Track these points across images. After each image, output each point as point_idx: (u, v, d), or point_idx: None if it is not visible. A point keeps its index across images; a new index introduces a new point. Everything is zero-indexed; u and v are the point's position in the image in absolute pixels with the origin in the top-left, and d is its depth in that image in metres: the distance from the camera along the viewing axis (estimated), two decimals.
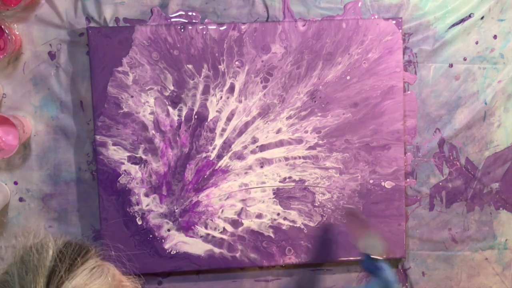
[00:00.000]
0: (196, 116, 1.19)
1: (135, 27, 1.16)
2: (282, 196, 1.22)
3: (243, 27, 1.17)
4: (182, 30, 1.16)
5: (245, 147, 1.20)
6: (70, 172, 1.21)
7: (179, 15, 1.19)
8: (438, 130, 1.27)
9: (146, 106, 1.17)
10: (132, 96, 1.17)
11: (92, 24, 1.17)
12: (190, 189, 1.20)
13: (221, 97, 1.19)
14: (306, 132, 1.21)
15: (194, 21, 1.20)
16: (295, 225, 1.23)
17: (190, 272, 1.24)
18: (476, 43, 1.25)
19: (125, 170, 1.18)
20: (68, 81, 1.19)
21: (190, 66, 1.17)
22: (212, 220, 1.21)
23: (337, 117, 1.21)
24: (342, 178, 1.23)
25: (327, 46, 1.20)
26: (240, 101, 1.19)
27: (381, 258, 1.05)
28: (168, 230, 1.20)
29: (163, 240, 1.20)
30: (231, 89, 1.19)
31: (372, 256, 1.05)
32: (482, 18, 1.25)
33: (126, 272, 0.66)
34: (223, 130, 1.20)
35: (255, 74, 1.19)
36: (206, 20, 1.20)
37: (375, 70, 1.21)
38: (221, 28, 1.17)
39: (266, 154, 1.21)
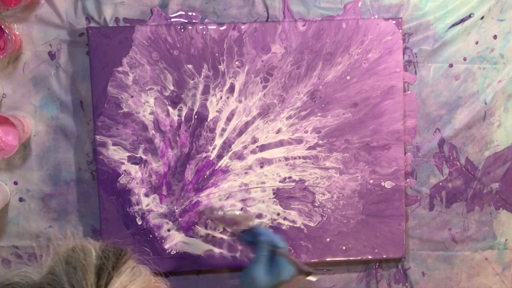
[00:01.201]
0: (196, 116, 1.19)
1: (135, 27, 1.16)
2: (282, 196, 1.22)
3: (243, 27, 1.17)
4: (182, 30, 1.16)
5: (245, 147, 1.20)
6: (70, 172, 1.21)
7: (179, 15, 1.19)
8: (438, 130, 1.27)
9: (146, 106, 1.17)
10: (132, 96, 1.17)
11: (92, 24, 1.17)
12: (190, 189, 1.20)
13: (221, 97, 1.19)
14: (306, 132, 1.21)
15: (194, 21, 1.20)
16: (295, 225, 1.23)
17: (190, 272, 1.24)
18: (476, 43, 1.25)
19: (125, 170, 1.18)
20: (68, 81, 1.19)
21: (190, 66, 1.17)
22: (212, 220, 1.21)
23: (337, 117, 1.21)
24: (342, 178, 1.23)
25: (327, 46, 1.20)
26: (240, 101, 1.19)
27: (254, 226, 1.04)
28: (168, 230, 1.20)
29: (163, 240, 1.20)
30: (231, 89, 1.19)
31: (246, 229, 1.04)
32: (482, 18, 1.25)
33: (154, 274, 0.70)
34: (223, 130, 1.20)
35: (255, 74, 1.19)
36: (206, 20, 1.20)
37: (375, 70, 1.21)
38: (221, 28, 1.17)
39: (266, 154, 1.21)
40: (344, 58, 1.20)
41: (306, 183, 1.22)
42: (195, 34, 1.17)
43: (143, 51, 1.16)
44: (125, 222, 1.19)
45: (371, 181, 1.23)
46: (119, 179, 1.18)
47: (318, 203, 1.23)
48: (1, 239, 1.21)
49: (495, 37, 1.26)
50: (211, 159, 1.20)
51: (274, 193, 1.22)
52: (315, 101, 1.21)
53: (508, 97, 1.27)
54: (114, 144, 1.17)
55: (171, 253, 1.20)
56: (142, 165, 1.19)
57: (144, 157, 1.18)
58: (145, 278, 0.63)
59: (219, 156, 1.20)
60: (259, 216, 1.22)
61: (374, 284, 1.29)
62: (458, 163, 1.28)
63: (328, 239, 1.23)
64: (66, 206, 1.21)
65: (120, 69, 1.16)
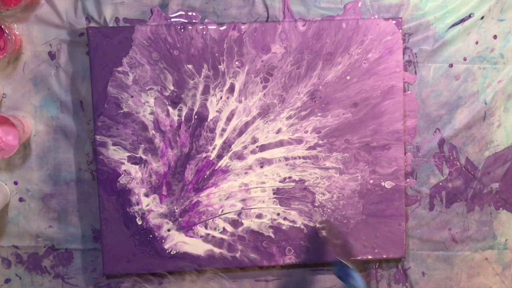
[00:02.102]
0: (196, 116, 1.19)
1: (135, 27, 1.16)
2: (282, 196, 1.22)
3: (243, 27, 1.17)
4: (182, 30, 1.16)
5: (245, 147, 1.20)
6: (70, 172, 1.21)
7: (179, 15, 1.19)
8: (438, 130, 1.27)
9: (146, 106, 1.17)
10: (132, 96, 1.17)
11: (92, 24, 1.17)
12: (190, 189, 1.20)
13: (221, 97, 1.19)
14: (306, 132, 1.21)
15: (194, 21, 1.20)
16: (295, 225, 1.23)
17: (190, 272, 1.24)
18: (476, 43, 1.25)
19: (125, 170, 1.18)
20: (68, 81, 1.19)
21: (190, 66, 1.17)
22: (212, 220, 1.21)
23: (337, 117, 1.21)
24: (342, 178, 1.23)
25: (327, 46, 1.20)
26: (240, 101, 1.19)
27: (351, 266, 1.09)
28: (168, 230, 1.20)
29: (163, 240, 1.20)
30: (231, 89, 1.19)
31: (343, 263, 1.10)
32: (482, 18, 1.25)
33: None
34: (223, 130, 1.20)
35: (255, 74, 1.19)
36: (206, 20, 1.20)
37: (375, 70, 1.21)
38: (221, 28, 1.17)
39: (266, 154, 1.21)
40: (344, 58, 1.20)
41: (306, 183, 1.22)
42: (195, 34, 1.17)
43: (143, 51, 1.16)
44: (125, 222, 1.19)
45: (371, 181, 1.23)
46: (119, 179, 1.18)
47: (318, 203, 1.23)
48: (1, 239, 1.21)
49: (495, 37, 1.26)
50: (211, 159, 1.20)
51: (274, 193, 1.22)
52: (315, 101, 1.21)
53: (508, 97, 1.27)
54: (114, 144, 1.17)
55: (171, 253, 1.20)
56: (142, 165, 1.19)
57: (144, 157, 1.18)
58: None
59: (219, 156, 1.20)
60: (259, 216, 1.22)
61: (374, 284, 1.29)
62: (458, 163, 1.28)
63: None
64: (66, 206, 1.21)
65: (120, 69, 1.16)
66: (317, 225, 1.20)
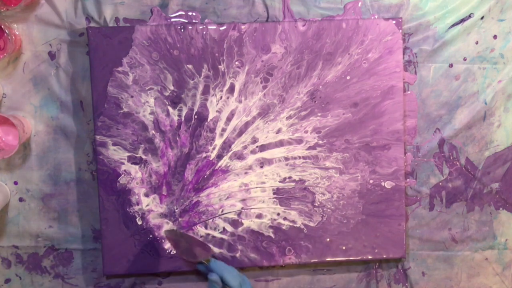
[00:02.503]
0: (196, 116, 1.19)
1: (135, 27, 1.16)
2: (282, 196, 1.22)
3: (243, 27, 1.17)
4: (182, 30, 1.17)
5: (245, 147, 1.20)
6: (70, 172, 1.21)
7: (179, 15, 1.19)
8: (438, 130, 1.27)
9: (146, 106, 1.17)
10: (132, 96, 1.17)
11: (92, 24, 1.18)
12: (190, 189, 1.20)
13: (221, 97, 1.19)
14: (306, 132, 1.21)
15: (194, 21, 1.20)
16: (295, 225, 1.23)
17: (190, 272, 1.24)
18: (476, 43, 1.25)
19: (125, 170, 1.18)
20: (68, 81, 1.19)
21: (190, 66, 1.17)
22: (212, 220, 1.21)
23: (337, 117, 1.21)
24: (342, 178, 1.23)
25: (327, 46, 1.20)
26: (240, 101, 1.19)
27: (207, 259, 1.06)
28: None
29: (163, 240, 1.20)
30: (231, 89, 1.19)
31: (198, 261, 1.07)
32: (482, 18, 1.25)
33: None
34: (223, 130, 1.20)
35: (255, 74, 1.19)
36: (206, 20, 1.20)
37: (375, 70, 1.21)
38: (221, 28, 1.17)
39: (266, 154, 1.21)
40: (344, 58, 1.20)
41: (306, 183, 1.22)
42: (195, 34, 1.17)
43: (143, 51, 1.16)
44: (125, 222, 1.19)
45: (371, 181, 1.23)
46: (119, 179, 1.18)
47: (318, 203, 1.23)
48: (1, 239, 1.21)
49: (495, 37, 1.26)
50: (211, 159, 1.20)
51: (274, 193, 1.22)
52: (315, 101, 1.21)
53: (508, 97, 1.27)
54: (114, 144, 1.17)
55: (171, 253, 1.20)
56: (142, 165, 1.19)
57: (144, 157, 1.18)
58: None
59: (219, 156, 1.20)
60: (259, 216, 1.22)
61: (374, 284, 1.29)
62: (458, 163, 1.28)
63: (328, 239, 1.23)
64: (66, 206, 1.22)
65: (120, 69, 1.16)
66: (165, 235, 1.15)
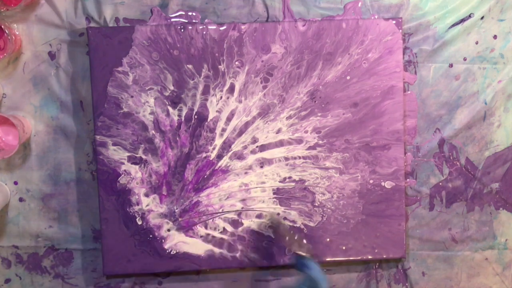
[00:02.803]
0: (196, 116, 1.19)
1: (135, 27, 1.16)
2: (282, 196, 1.22)
3: (243, 27, 1.17)
4: (182, 30, 1.16)
5: (245, 147, 1.20)
6: (70, 172, 1.21)
7: (179, 15, 1.19)
8: (438, 130, 1.27)
9: (146, 106, 1.17)
10: (132, 96, 1.17)
11: (92, 24, 1.17)
12: (190, 189, 1.20)
13: (221, 97, 1.19)
14: (306, 132, 1.21)
15: (194, 21, 1.20)
16: (295, 225, 1.23)
17: (190, 272, 1.24)
18: (476, 43, 1.25)
19: (125, 170, 1.18)
20: (68, 81, 1.19)
21: (190, 66, 1.17)
22: (212, 220, 1.21)
23: (337, 117, 1.21)
24: (342, 178, 1.23)
25: (327, 46, 1.20)
26: (240, 101, 1.19)
27: (308, 256, 1.11)
28: (168, 230, 1.20)
29: (163, 240, 1.20)
30: (231, 89, 1.19)
31: (300, 254, 1.12)
32: (482, 18, 1.25)
33: None
34: (223, 130, 1.20)
35: (255, 74, 1.19)
36: (206, 20, 1.20)
37: (375, 70, 1.21)
38: (221, 28, 1.17)
39: (266, 154, 1.21)
40: (344, 58, 1.20)
41: (306, 183, 1.22)
42: (195, 34, 1.17)
43: (143, 51, 1.16)
44: (125, 222, 1.19)
45: (371, 181, 1.23)
46: (119, 179, 1.18)
47: (318, 203, 1.23)
48: (1, 239, 1.21)
49: (495, 37, 1.26)
50: (211, 159, 1.20)
51: (274, 193, 1.22)
52: (315, 101, 1.21)
53: (508, 97, 1.27)
54: (114, 144, 1.17)
55: (171, 253, 1.20)
56: (142, 165, 1.19)
57: (144, 157, 1.18)
58: None
59: (219, 156, 1.20)
60: (259, 216, 1.22)
61: (374, 284, 1.29)
62: (458, 163, 1.28)
63: (328, 239, 1.23)
64: (66, 206, 1.21)
65: (120, 69, 1.16)
66: (269, 223, 1.20)
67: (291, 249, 1.15)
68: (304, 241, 1.19)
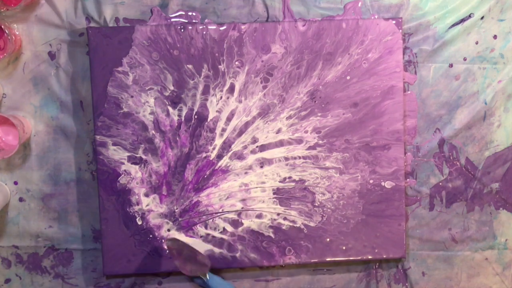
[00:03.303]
0: (196, 116, 1.19)
1: (135, 27, 1.16)
2: (282, 196, 1.22)
3: (243, 27, 1.17)
4: (182, 30, 1.17)
5: (245, 147, 1.21)
6: (70, 172, 1.21)
7: (179, 15, 1.19)
8: (438, 130, 1.27)
9: (146, 106, 1.17)
10: (132, 96, 1.17)
11: (92, 24, 1.18)
12: (190, 189, 1.20)
13: (221, 97, 1.19)
14: (306, 132, 1.21)
15: (194, 21, 1.20)
16: (295, 225, 1.23)
17: None
18: (476, 43, 1.25)
19: (125, 170, 1.18)
20: (68, 81, 1.19)
21: (190, 66, 1.17)
22: (212, 220, 1.21)
23: (337, 117, 1.21)
24: (342, 178, 1.23)
25: (327, 46, 1.20)
26: (240, 101, 1.19)
27: (206, 275, 1.10)
28: (168, 230, 1.20)
29: (163, 240, 1.20)
30: (231, 89, 1.19)
31: (196, 276, 1.11)
32: (482, 18, 1.25)
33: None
34: (223, 130, 1.20)
35: (255, 74, 1.19)
36: (206, 20, 1.20)
37: (375, 70, 1.21)
38: (221, 28, 1.17)
39: (266, 154, 1.21)
40: (344, 58, 1.20)
41: (306, 183, 1.22)
42: (195, 34, 1.17)
43: (143, 51, 1.16)
44: (125, 222, 1.19)
45: (371, 181, 1.23)
46: (119, 179, 1.18)
47: (318, 203, 1.23)
48: (1, 239, 1.21)
49: (495, 37, 1.26)
50: (211, 159, 1.20)
51: (274, 193, 1.22)
52: (315, 101, 1.21)
53: (508, 97, 1.27)
54: (114, 144, 1.17)
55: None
56: (142, 165, 1.19)
57: (144, 157, 1.18)
58: None
59: (219, 156, 1.20)
60: (259, 216, 1.22)
61: (374, 284, 1.29)
62: (458, 163, 1.28)
63: (328, 239, 1.23)
64: (66, 206, 1.22)
65: (120, 69, 1.16)
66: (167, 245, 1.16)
67: (189, 272, 1.11)
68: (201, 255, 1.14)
